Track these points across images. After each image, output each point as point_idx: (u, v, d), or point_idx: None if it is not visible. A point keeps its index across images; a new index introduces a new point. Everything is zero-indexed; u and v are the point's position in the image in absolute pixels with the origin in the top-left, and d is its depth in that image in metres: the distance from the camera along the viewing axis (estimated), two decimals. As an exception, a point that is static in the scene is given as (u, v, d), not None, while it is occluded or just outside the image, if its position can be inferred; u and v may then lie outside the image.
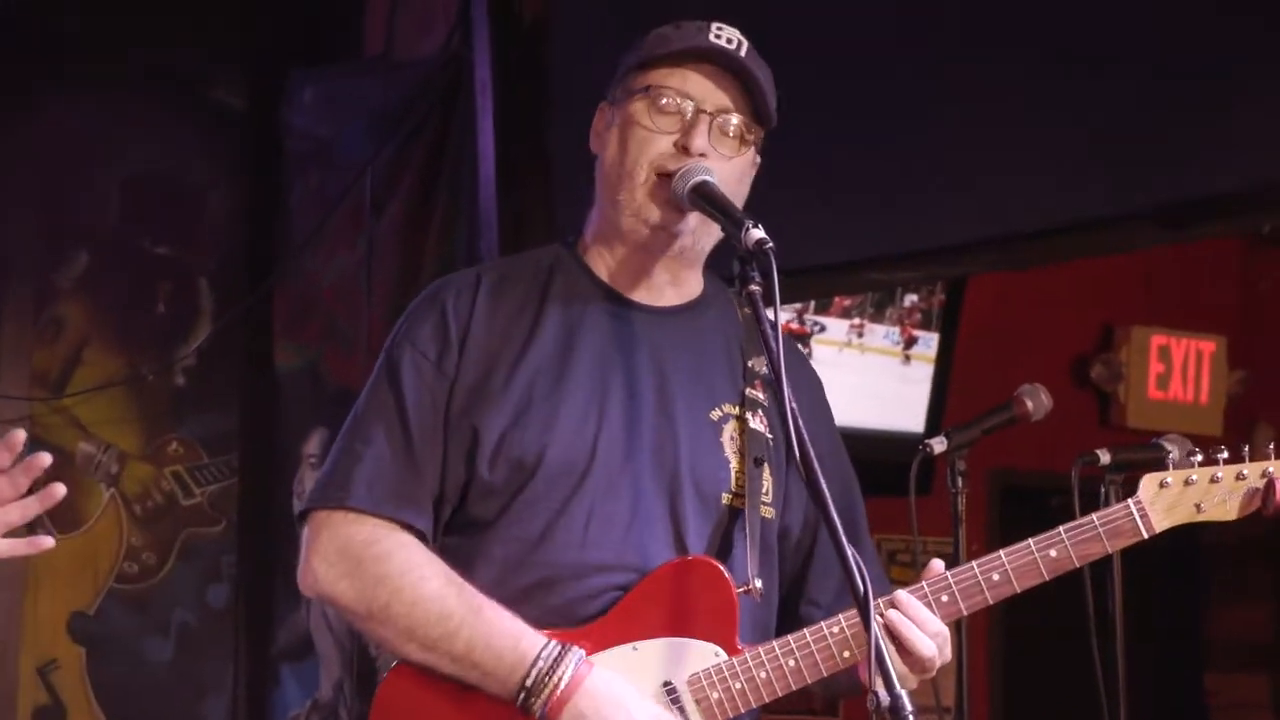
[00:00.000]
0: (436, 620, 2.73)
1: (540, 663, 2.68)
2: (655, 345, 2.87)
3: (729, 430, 2.87)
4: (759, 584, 2.80)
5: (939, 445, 3.52)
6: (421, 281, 5.28)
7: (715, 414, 2.87)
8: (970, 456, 3.59)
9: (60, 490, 2.33)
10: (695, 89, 2.82)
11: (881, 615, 2.71)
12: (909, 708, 2.35)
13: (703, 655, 2.75)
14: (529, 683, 2.66)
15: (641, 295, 2.90)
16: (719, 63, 2.83)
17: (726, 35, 2.85)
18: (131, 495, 6.00)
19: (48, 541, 2.35)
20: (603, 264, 2.91)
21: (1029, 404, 3.53)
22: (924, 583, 2.79)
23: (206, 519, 6.09)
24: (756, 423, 2.86)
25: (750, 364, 2.89)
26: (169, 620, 6.03)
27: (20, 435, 2.31)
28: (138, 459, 6.05)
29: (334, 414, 5.72)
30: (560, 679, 2.66)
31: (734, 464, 2.85)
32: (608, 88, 2.94)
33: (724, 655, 2.75)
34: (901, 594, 2.76)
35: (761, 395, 2.89)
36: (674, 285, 2.92)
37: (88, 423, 5.99)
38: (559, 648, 2.69)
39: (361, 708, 5.49)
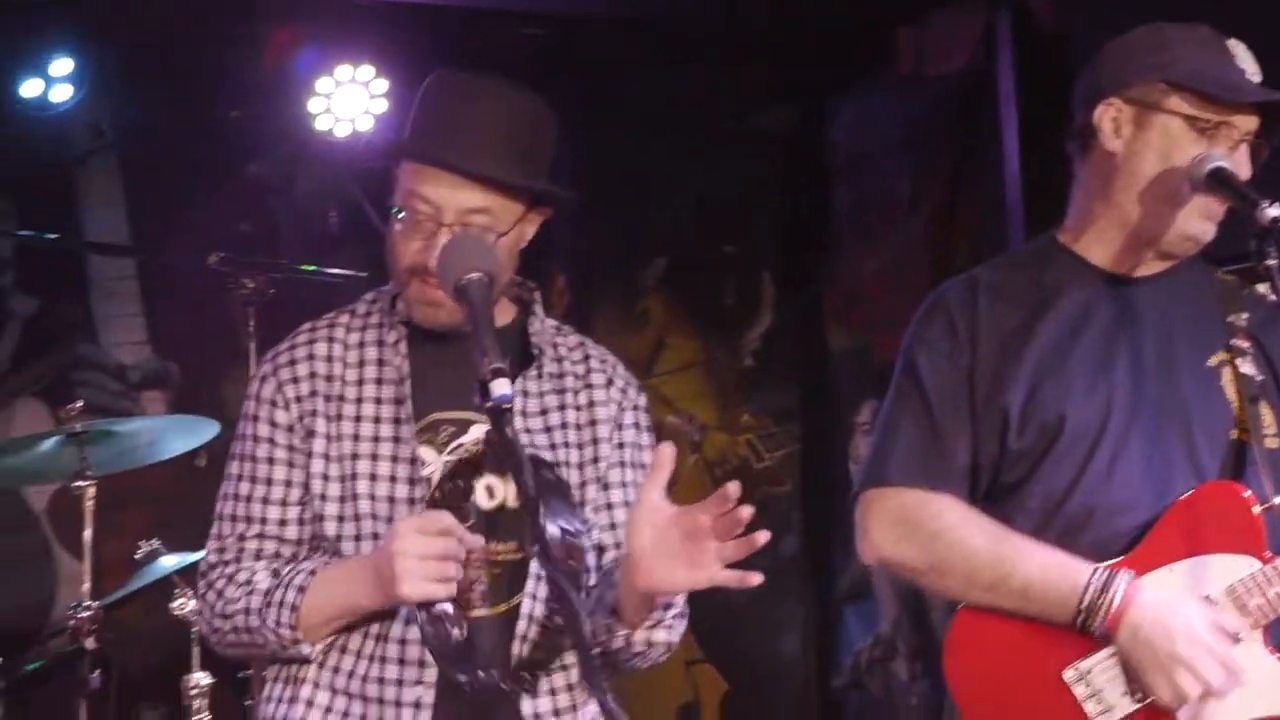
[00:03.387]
0: (991, 566, 2.80)
1: (1092, 586, 2.73)
2: (1151, 309, 2.91)
3: (1226, 375, 2.89)
4: (1278, 500, 2.80)
5: None
6: (954, 272, 5.36)
7: (1212, 360, 2.90)
8: None
9: (763, 537, 2.44)
10: (1240, 120, 2.84)
11: None
12: None
13: (1236, 567, 2.75)
14: (1084, 605, 2.72)
15: (1138, 272, 2.95)
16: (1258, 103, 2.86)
17: (1249, 67, 2.87)
18: (712, 460, 6.33)
19: (756, 578, 2.46)
20: (1101, 252, 2.93)
21: None
22: None
23: (775, 479, 6.35)
24: (1246, 367, 2.89)
25: (1229, 319, 2.92)
26: (749, 567, 6.21)
27: (734, 487, 2.41)
28: (716, 429, 6.37)
29: (881, 388, 5.84)
30: (1113, 598, 2.71)
31: (1235, 403, 2.87)
32: (1116, 79, 2.88)
33: (1257, 565, 2.77)
34: None
35: (1245, 344, 2.92)
36: (1164, 261, 2.97)
37: (673, 399, 6.35)
38: (1107, 572, 2.75)
39: (918, 641, 5.57)
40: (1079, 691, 2.75)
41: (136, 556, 4.43)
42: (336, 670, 2.59)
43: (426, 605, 2.43)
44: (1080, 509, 2.82)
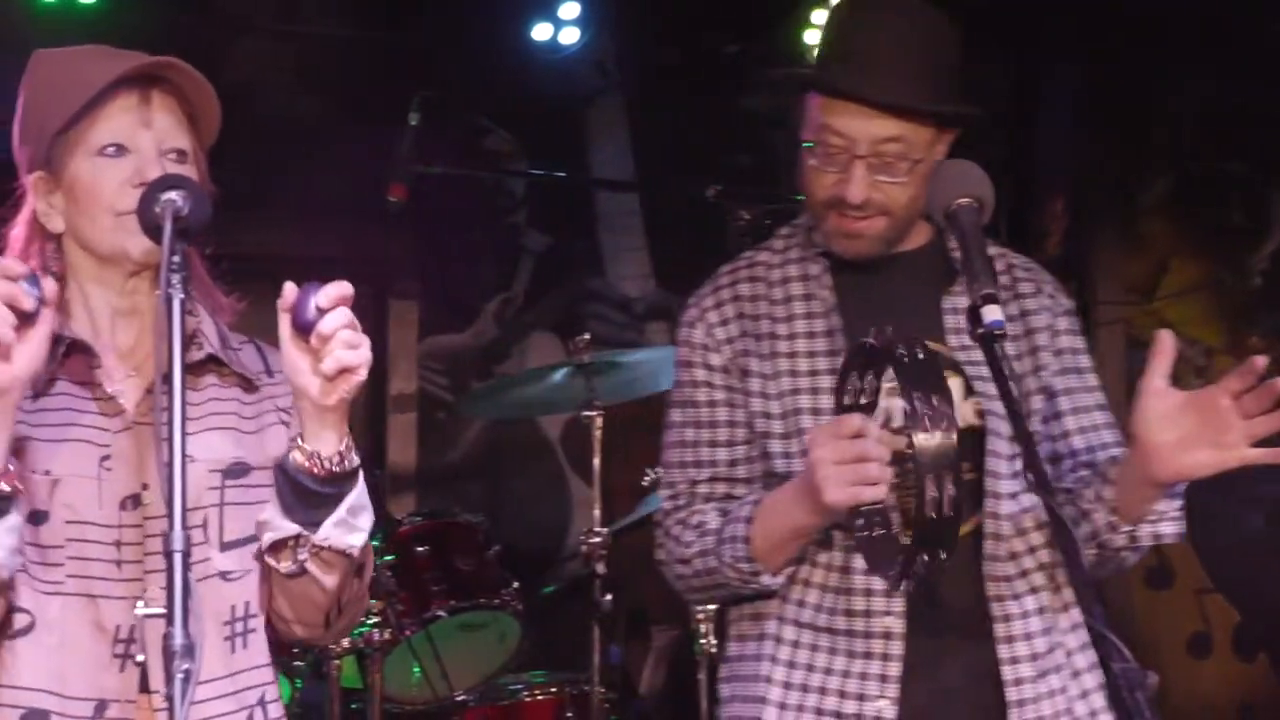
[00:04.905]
0: None
1: None
2: None
3: None
4: None
5: None
6: None
7: None
8: None
9: None
10: None
11: None
12: None
13: None
14: None
15: None
16: None
17: None
18: (1220, 387, 6.05)
19: None
20: None
21: None
22: None
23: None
24: None
25: None
26: (1257, 494, 6.02)
27: (1261, 360, 2.32)
28: (1222, 353, 6.15)
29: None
30: None
31: None
32: None
33: None
34: None
35: None
36: None
37: (1176, 323, 6.14)
38: None
39: None
40: None
41: (644, 483, 4.51)
42: (801, 604, 2.57)
43: (859, 512, 2.36)
44: None
